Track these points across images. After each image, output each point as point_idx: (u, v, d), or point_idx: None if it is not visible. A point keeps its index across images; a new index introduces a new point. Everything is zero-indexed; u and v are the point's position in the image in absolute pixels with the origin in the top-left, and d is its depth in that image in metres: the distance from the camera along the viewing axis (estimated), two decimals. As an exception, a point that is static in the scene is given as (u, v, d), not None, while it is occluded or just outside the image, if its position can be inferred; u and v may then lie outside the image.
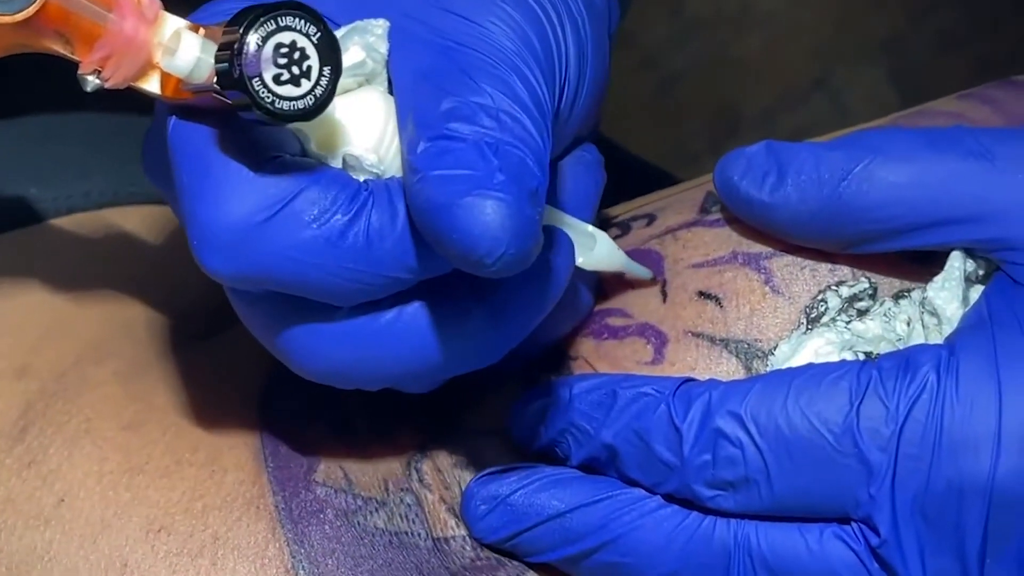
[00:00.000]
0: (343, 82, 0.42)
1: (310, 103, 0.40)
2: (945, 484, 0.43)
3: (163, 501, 0.48)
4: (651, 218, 0.52)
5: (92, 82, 0.42)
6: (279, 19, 0.40)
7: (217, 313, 0.58)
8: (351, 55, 0.44)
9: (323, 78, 0.40)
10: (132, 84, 0.42)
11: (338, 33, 0.44)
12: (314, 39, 0.40)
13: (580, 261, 0.48)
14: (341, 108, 0.43)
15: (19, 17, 0.40)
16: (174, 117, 0.43)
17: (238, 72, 0.39)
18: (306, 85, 0.40)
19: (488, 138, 0.41)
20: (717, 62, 1.50)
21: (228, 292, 0.45)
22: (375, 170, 0.43)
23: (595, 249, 0.49)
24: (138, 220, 0.58)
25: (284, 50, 0.40)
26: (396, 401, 0.50)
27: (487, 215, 0.39)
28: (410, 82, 0.43)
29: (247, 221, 0.42)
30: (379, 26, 0.44)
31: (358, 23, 0.44)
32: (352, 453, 0.49)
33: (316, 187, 0.42)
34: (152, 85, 0.42)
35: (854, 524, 0.44)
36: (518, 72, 0.43)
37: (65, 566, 0.48)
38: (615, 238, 0.51)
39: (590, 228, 0.49)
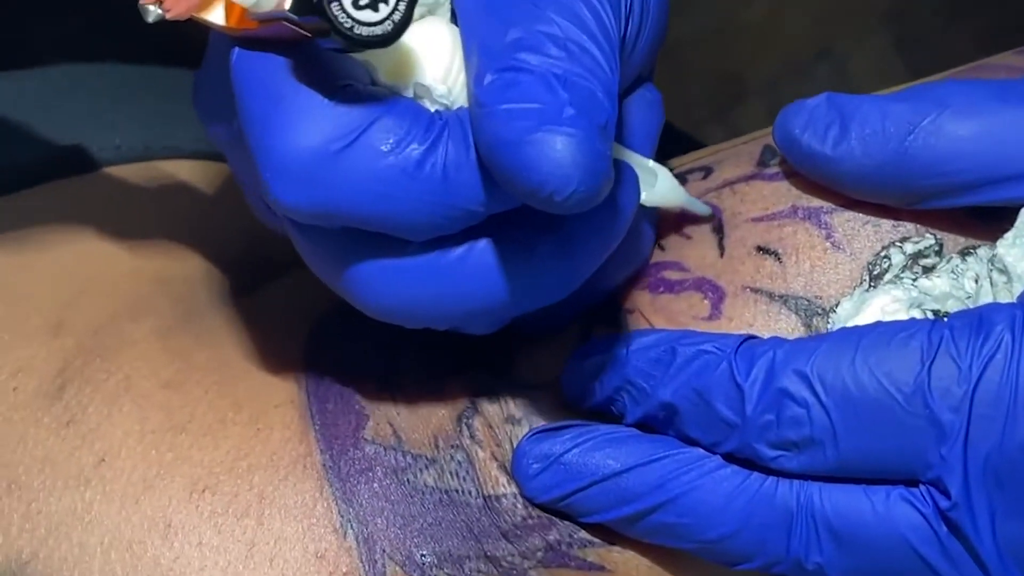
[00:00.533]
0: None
1: (388, 28, 0.39)
2: (1019, 446, 0.41)
3: (207, 460, 0.47)
4: (707, 171, 0.50)
5: (154, 12, 0.41)
6: None
7: (257, 269, 0.56)
8: None
9: (401, 2, 0.39)
10: (195, 15, 0.41)
11: None
12: None
13: (642, 197, 0.47)
14: (407, 38, 0.42)
15: None
16: (238, 48, 0.42)
17: None
18: (384, 10, 0.39)
19: (556, 69, 0.40)
20: (722, 30, 1.49)
21: (291, 229, 0.44)
22: (444, 101, 0.43)
23: (656, 185, 0.48)
24: (173, 175, 0.57)
25: None
26: (445, 354, 0.49)
27: (557, 152, 0.38)
28: (474, 11, 0.42)
29: (323, 150, 0.40)
30: None
31: None
32: (401, 409, 0.48)
33: (391, 116, 0.41)
34: (216, 16, 0.41)
35: (922, 487, 0.43)
36: (586, 2, 0.42)
37: (106, 527, 0.47)
38: None
39: (651, 164, 0.48)
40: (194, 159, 0.58)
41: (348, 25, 0.39)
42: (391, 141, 0.41)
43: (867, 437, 0.43)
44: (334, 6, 0.39)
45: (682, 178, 0.51)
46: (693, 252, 0.49)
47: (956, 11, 1.44)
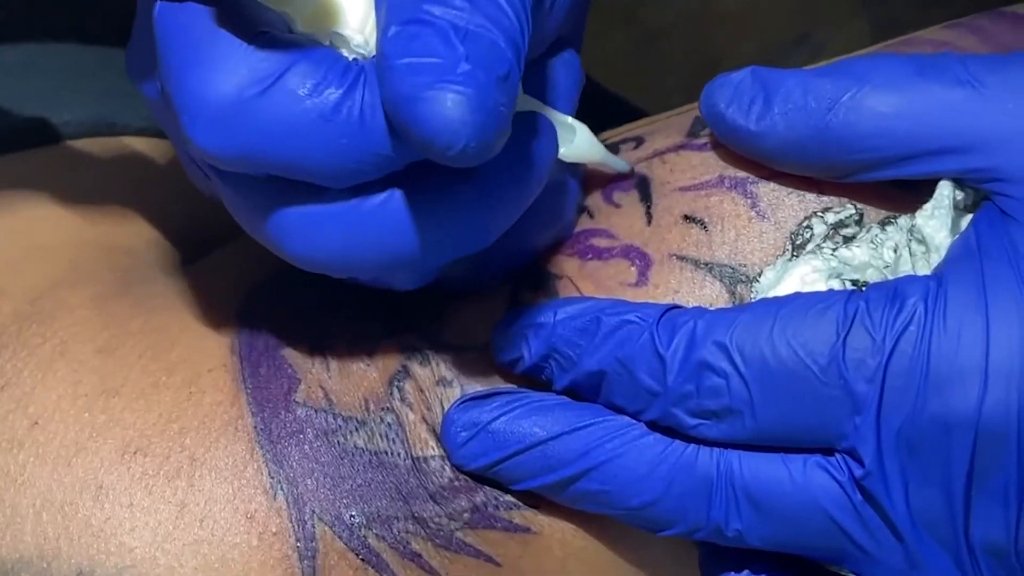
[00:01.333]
0: None
1: None
2: (931, 417, 0.42)
3: (139, 423, 0.48)
4: (639, 141, 0.51)
5: None
6: None
7: (200, 242, 0.57)
8: None
9: None
10: None
11: None
12: None
13: (561, 152, 0.48)
14: None
15: None
16: (160, 1, 0.43)
17: None
18: None
19: (459, 20, 0.40)
20: (699, 16, 1.49)
21: (215, 179, 0.45)
22: (362, 50, 0.43)
23: (575, 140, 0.48)
24: (119, 150, 0.58)
25: None
26: (377, 318, 0.50)
27: (447, 108, 0.39)
28: None
29: (240, 95, 0.41)
30: None
31: None
32: (333, 372, 0.49)
33: (308, 61, 0.42)
34: None
35: (838, 455, 0.44)
36: None
37: (39, 488, 0.47)
38: None
39: (570, 120, 0.49)
40: (143, 135, 0.58)
41: None
42: (308, 85, 0.41)
43: (784, 407, 0.44)
44: None
45: (614, 148, 0.52)
46: (622, 220, 0.49)
47: (933, -3, 1.44)
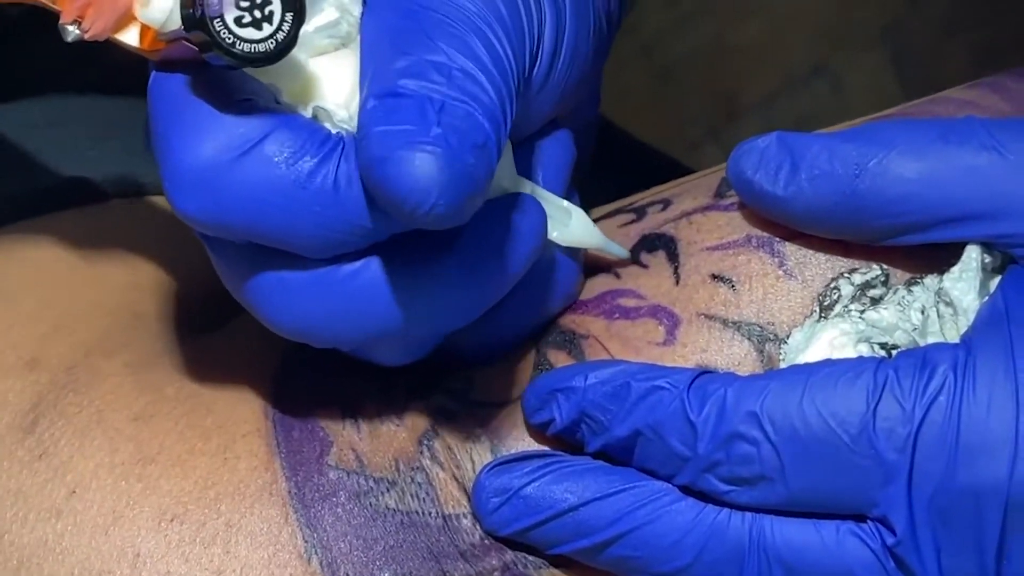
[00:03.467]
0: (319, 44, 0.44)
1: (271, 46, 0.41)
2: (961, 486, 0.42)
3: (175, 490, 0.48)
4: (666, 203, 0.52)
5: (72, 32, 0.43)
6: None
7: (229, 302, 0.58)
8: (325, 15, 0.44)
9: (285, 23, 0.42)
10: (111, 36, 0.43)
11: None
12: None
13: (555, 236, 0.48)
14: (315, 65, 0.44)
15: None
16: (154, 71, 0.44)
17: (199, 12, 0.41)
18: (268, 29, 0.41)
19: (434, 94, 0.41)
20: (717, 48, 1.50)
21: (203, 242, 0.45)
22: (345, 125, 0.44)
23: (570, 224, 0.49)
24: (146, 211, 0.58)
25: None
26: (407, 378, 0.50)
27: (415, 167, 0.39)
28: (373, 42, 0.44)
29: (216, 159, 0.42)
30: None
31: None
32: (364, 434, 0.49)
33: (286, 129, 0.43)
34: (131, 37, 0.43)
35: (870, 522, 0.44)
36: (479, 33, 0.43)
37: (77, 558, 0.48)
38: (630, 223, 0.51)
39: (565, 203, 0.49)
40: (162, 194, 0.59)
41: (230, 41, 0.41)
42: (285, 153, 0.42)
43: (815, 475, 0.44)
44: (216, 22, 0.41)
45: (642, 210, 0.52)
46: (649, 280, 0.50)
47: (952, 27, 1.44)
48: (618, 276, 0.50)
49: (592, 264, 0.51)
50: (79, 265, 0.55)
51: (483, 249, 0.45)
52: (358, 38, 0.45)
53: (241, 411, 0.50)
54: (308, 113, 0.44)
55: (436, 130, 0.40)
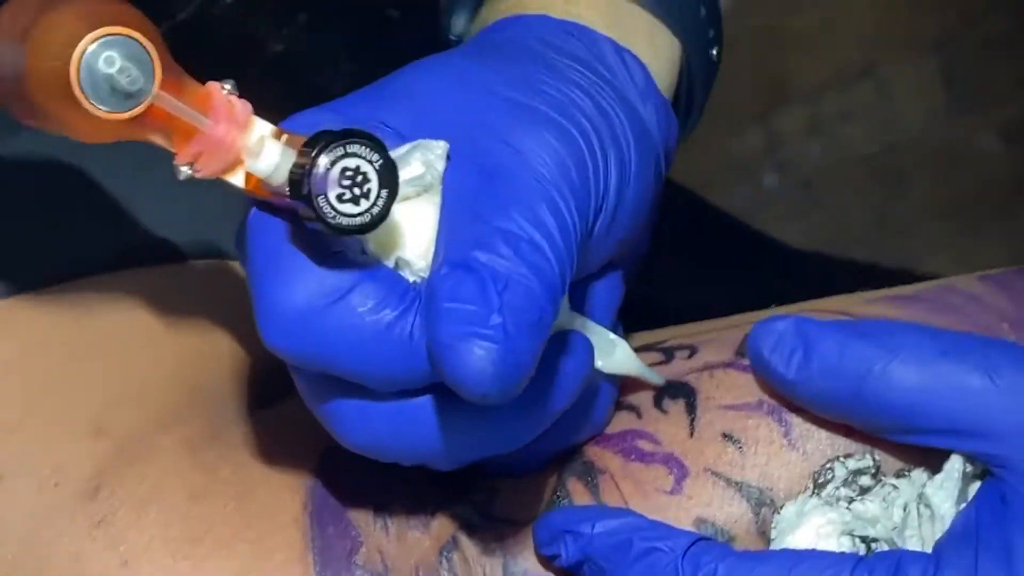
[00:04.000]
0: (404, 191, 0.48)
1: (366, 220, 0.46)
2: None
3: (218, 572, 0.53)
4: (693, 351, 0.56)
5: (185, 172, 0.47)
6: (347, 146, 0.46)
7: (280, 378, 0.62)
8: (412, 168, 0.49)
9: (380, 199, 0.46)
10: (220, 176, 0.47)
11: (403, 148, 0.49)
12: (376, 165, 0.46)
13: (600, 364, 0.53)
14: (398, 214, 0.49)
15: (127, 115, 0.45)
16: (255, 208, 0.49)
17: (307, 189, 0.45)
18: (364, 204, 0.46)
19: (501, 268, 0.46)
20: (771, 32, 1.52)
21: (288, 365, 0.50)
22: (423, 274, 0.49)
23: (614, 354, 0.54)
24: (221, 275, 0.63)
25: (349, 173, 0.46)
26: (435, 487, 0.55)
27: (473, 361, 0.45)
28: (454, 201, 0.49)
29: (308, 306, 0.47)
30: (439, 147, 0.49)
31: (421, 141, 0.50)
32: (391, 538, 0.54)
33: (371, 283, 0.48)
34: (237, 179, 0.48)
35: None
36: (549, 200, 0.48)
37: None
38: (658, 364, 0.56)
39: (612, 336, 0.54)
40: (225, 259, 0.64)
41: (332, 216, 0.45)
42: (369, 304, 0.47)
43: None
44: (320, 199, 0.45)
45: (670, 353, 0.57)
46: (667, 428, 0.54)
47: (998, 47, 1.47)
48: (640, 416, 0.55)
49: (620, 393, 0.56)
50: (149, 329, 0.59)
51: (533, 387, 0.49)
52: (438, 187, 0.49)
53: (283, 500, 0.55)
54: (391, 263, 0.49)
55: (496, 318, 0.45)
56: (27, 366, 0.57)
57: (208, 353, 0.60)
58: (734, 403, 0.54)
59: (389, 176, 0.46)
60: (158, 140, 0.47)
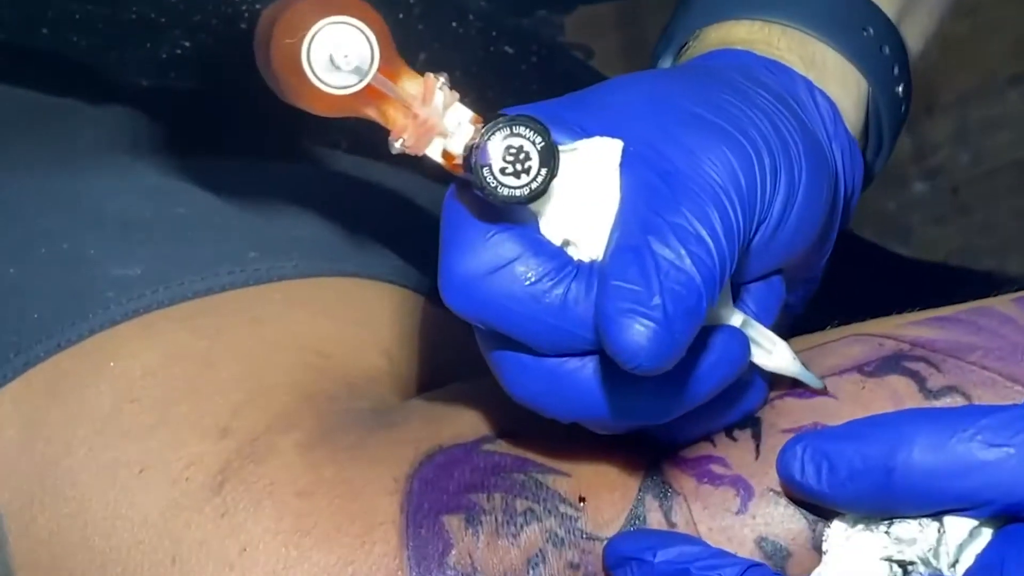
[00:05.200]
0: (583, 178, 0.55)
1: (525, 193, 0.53)
2: None
3: (323, 562, 0.59)
4: None
5: (396, 147, 0.55)
6: (514, 127, 0.53)
7: (390, 386, 0.68)
8: (587, 158, 0.55)
9: (539, 176, 0.53)
10: (423, 153, 0.55)
11: (581, 140, 0.56)
12: (538, 146, 0.53)
13: (758, 360, 0.58)
14: (571, 198, 0.55)
15: (347, 92, 0.53)
16: (454, 186, 0.56)
17: (474, 160, 0.53)
18: (524, 179, 0.53)
19: (668, 254, 0.52)
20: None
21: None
22: (588, 255, 0.55)
23: (773, 352, 0.59)
24: (329, 297, 0.69)
25: (512, 150, 0.53)
26: (525, 500, 0.60)
27: (632, 334, 0.51)
28: (631, 195, 0.55)
29: (476, 271, 0.54)
30: (615, 144, 0.55)
31: (599, 137, 0.56)
32: (482, 546, 0.59)
33: (534, 256, 0.54)
34: (436, 155, 0.55)
35: None
36: (717, 203, 0.54)
37: None
38: None
39: (772, 335, 0.59)
40: (358, 278, 0.70)
41: (493, 185, 0.53)
42: (530, 273, 0.54)
43: None
44: (485, 170, 0.53)
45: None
46: (736, 452, 0.59)
47: None
48: (714, 444, 0.60)
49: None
50: (274, 340, 0.66)
51: (686, 369, 0.55)
52: (613, 180, 0.55)
53: (382, 502, 0.60)
54: (558, 241, 0.55)
55: (656, 300, 0.51)
56: (167, 373, 0.64)
57: (324, 364, 0.66)
58: (792, 427, 0.59)
59: (550, 157, 0.53)
60: (374, 116, 0.54)
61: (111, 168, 0.73)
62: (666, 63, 0.66)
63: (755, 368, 0.59)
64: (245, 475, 0.61)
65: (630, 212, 0.54)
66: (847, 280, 0.96)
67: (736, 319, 0.57)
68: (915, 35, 0.69)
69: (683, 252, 0.52)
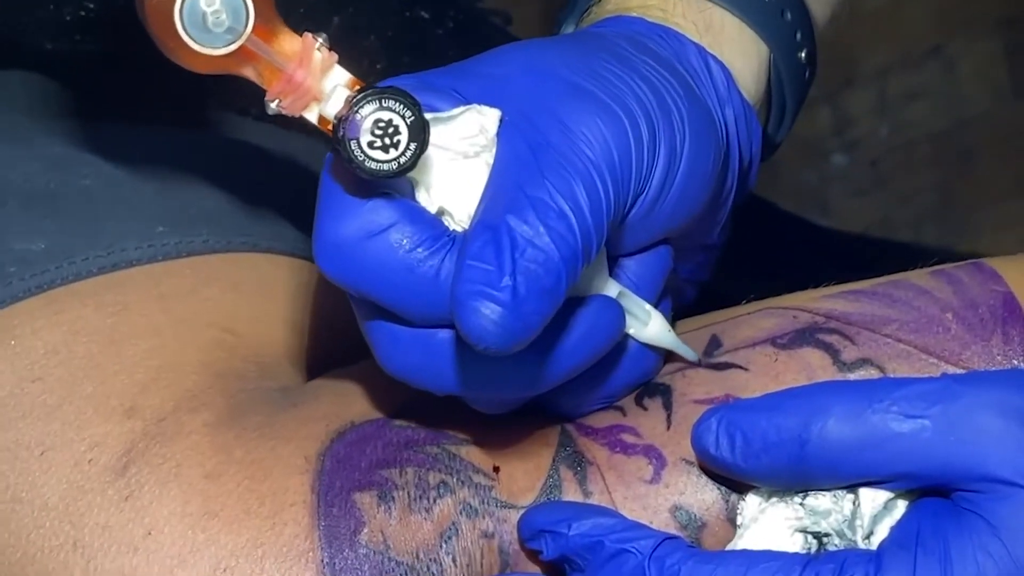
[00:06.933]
0: (457, 147, 0.54)
1: (392, 168, 0.52)
2: None
3: (231, 545, 0.58)
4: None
5: (272, 108, 0.54)
6: (383, 100, 0.52)
7: (296, 368, 0.67)
8: (465, 128, 0.54)
9: (408, 151, 0.52)
10: (300, 114, 0.54)
11: (458, 109, 0.54)
12: (408, 120, 0.52)
13: (632, 332, 0.58)
14: (449, 170, 0.54)
15: (218, 52, 0.52)
16: (330, 153, 0.54)
17: (341, 133, 0.52)
18: (393, 153, 0.52)
19: (524, 234, 0.51)
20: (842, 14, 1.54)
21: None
22: (463, 225, 0.54)
23: (648, 325, 0.58)
24: (237, 274, 0.67)
25: (381, 124, 0.52)
26: (438, 472, 0.59)
27: (479, 318, 0.50)
28: (500, 168, 0.54)
29: (350, 237, 0.54)
30: (493, 113, 0.55)
31: (476, 105, 0.55)
32: (394, 523, 0.58)
33: (409, 224, 0.53)
34: (313, 117, 0.54)
35: None
36: (585, 176, 0.52)
37: None
38: None
39: (647, 306, 0.58)
40: (256, 252, 0.68)
41: (360, 158, 0.52)
42: (404, 242, 0.53)
43: None
44: (353, 143, 0.52)
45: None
46: (647, 422, 0.59)
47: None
48: (624, 413, 0.59)
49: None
50: (181, 318, 0.64)
51: (553, 341, 0.54)
52: (487, 153, 0.54)
53: (292, 482, 0.59)
54: (433, 209, 0.54)
55: (507, 281, 0.50)
56: (71, 351, 0.62)
57: (234, 342, 0.65)
58: (704, 397, 0.58)
59: (420, 132, 0.52)
60: (251, 76, 0.53)
61: (14, 135, 0.71)
62: (568, 29, 0.65)
63: (633, 341, 0.58)
64: (151, 456, 0.60)
65: (497, 185, 0.53)
66: (767, 252, 0.96)
67: (612, 290, 0.57)
68: (820, 1, 0.68)
69: (542, 229, 0.51)
